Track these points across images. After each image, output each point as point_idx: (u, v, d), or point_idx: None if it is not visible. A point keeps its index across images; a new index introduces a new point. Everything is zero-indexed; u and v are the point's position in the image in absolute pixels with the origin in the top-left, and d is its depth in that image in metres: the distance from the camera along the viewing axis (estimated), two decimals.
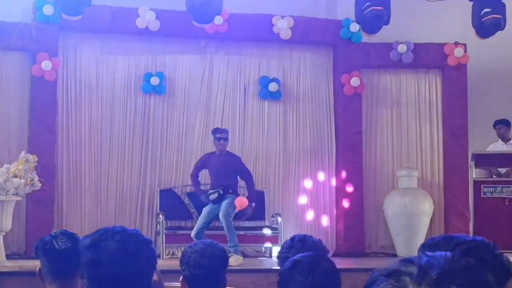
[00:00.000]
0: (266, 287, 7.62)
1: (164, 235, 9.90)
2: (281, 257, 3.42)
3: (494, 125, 10.65)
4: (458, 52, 11.17)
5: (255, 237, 10.30)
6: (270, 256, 10.33)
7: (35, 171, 8.82)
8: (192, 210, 10.42)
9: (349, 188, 10.96)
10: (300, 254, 2.91)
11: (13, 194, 8.62)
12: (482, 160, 9.98)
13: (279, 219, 10.34)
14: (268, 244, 10.37)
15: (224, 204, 8.88)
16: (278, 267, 3.19)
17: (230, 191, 9.02)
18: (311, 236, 3.56)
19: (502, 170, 10.32)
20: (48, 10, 10.00)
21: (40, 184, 8.83)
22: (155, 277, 2.66)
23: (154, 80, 10.63)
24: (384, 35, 10.17)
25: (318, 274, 2.78)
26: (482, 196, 9.73)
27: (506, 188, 9.74)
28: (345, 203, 10.96)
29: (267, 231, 10.25)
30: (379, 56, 11.23)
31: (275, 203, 10.90)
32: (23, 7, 10.26)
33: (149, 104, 10.73)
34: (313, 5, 11.31)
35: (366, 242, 11.09)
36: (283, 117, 11.13)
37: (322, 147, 11.15)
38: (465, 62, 11.22)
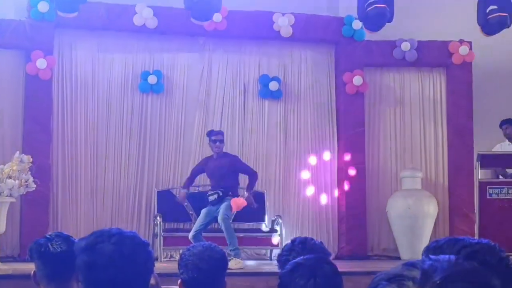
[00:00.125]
0: None
1: (161, 237, 9.90)
2: (282, 260, 3.42)
3: (501, 125, 10.64)
4: (463, 50, 11.17)
5: (255, 239, 10.30)
6: (271, 259, 10.33)
7: (29, 172, 8.81)
8: (190, 212, 10.42)
9: (351, 189, 10.95)
10: (301, 257, 2.90)
11: (7, 196, 8.61)
12: (488, 160, 9.98)
13: (280, 221, 10.34)
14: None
15: (222, 206, 8.87)
16: (279, 270, 3.19)
17: (230, 193, 9.02)
18: (312, 239, 3.56)
19: (509, 171, 10.32)
20: (43, 7, 10.00)
21: (35, 185, 8.82)
22: (152, 281, 2.65)
23: (152, 79, 10.63)
24: (387, 32, 10.17)
25: (319, 277, 2.77)
26: (488, 197, 9.73)
27: None
28: (347, 205, 10.95)
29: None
30: (382, 54, 11.23)
31: (275, 205, 10.89)
32: (18, 4, 10.27)
33: (147, 103, 10.73)
34: (315, 2, 11.31)
35: (369, 244, 11.09)
36: (283, 117, 11.13)
37: (324, 148, 11.15)
38: (470, 60, 11.22)
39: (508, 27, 9.29)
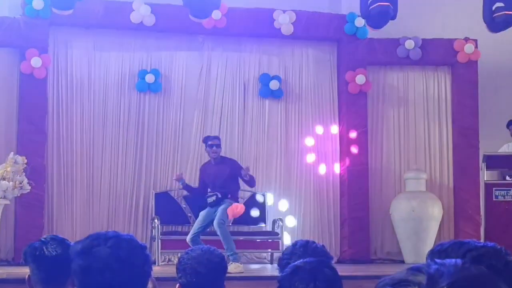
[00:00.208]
0: None
1: (159, 240, 9.89)
2: (283, 264, 3.42)
3: (508, 125, 10.64)
4: (469, 48, 11.17)
5: (255, 242, 10.30)
6: (271, 262, 10.33)
7: (24, 173, 8.83)
8: (189, 214, 10.42)
9: (354, 191, 10.95)
10: (301, 260, 2.90)
11: (1, 198, 8.63)
12: (494, 161, 9.97)
13: (281, 223, 10.33)
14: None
15: (219, 210, 8.88)
16: (280, 274, 3.19)
17: (229, 196, 9.02)
18: (313, 242, 3.56)
19: None
20: (38, 4, 10.00)
21: (30, 187, 8.84)
22: (150, 285, 2.65)
23: (149, 78, 10.63)
24: (390, 30, 10.18)
25: (319, 281, 2.77)
26: (494, 199, 9.72)
27: None
28: (350, 207, 10.95)
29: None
30: (386, 52, 11.23)
31: (276, 207, 10.89)
32: (12, 1, 10.28)
33: (144, 102, 10.73)
34: None
35: (372, 248, 11.09)
36: (284, 117, 11.13)
37: (326, 148, 11.15)
38: (476, 59, 11.22)
39: None
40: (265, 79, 11.03)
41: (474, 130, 11.19)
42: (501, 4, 9.12)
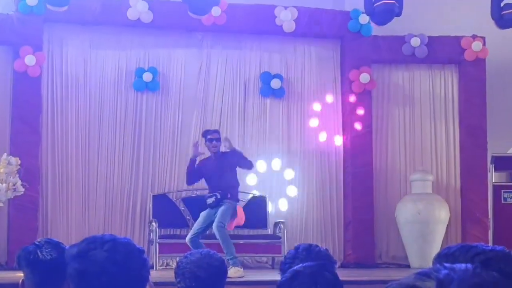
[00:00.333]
0: None
1: (157, 244, 9.90)
2: (285, 268, 3.41)
3: None
4: (476, 45, 11.17)
5: (256, 246, 10.29)
6: (273, 267, 10.33)
7: (17, 175, 8.83)
8: (187, 217, 10.42)
9: (358, 193, 10.95)
10: (301, 264, 2.90)
11: None
12: (503, 162, 9.98)
13: (282, 227, 10.33)
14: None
15: (218, 212, 8.88)
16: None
17: (229, 195, 9.02)
18: (317, 245, 3.55)
19: None
20: (32, 0, 10.00)
21: (23, 189, 8.83)
22: None
23: (147, 76, 10.63)
24: (396, 27, 10.18)
25: (319, 285, 2.77)
26: (503, 202, 9.73)
27: None
28: (354, 209, 10.95)
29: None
30: (391, 50, 11.23)
31: (278, 210, 10.89)
32: None
33: (141, 102, 10.73)
34: None
35: (377, 252, 11.09)
36: (286, 117, 11.13)
37: (329, 149, 11.15)
38: (484, 57, 11.22)
39: None
40: (266, 77, 11.03)
41: (482, 130, 11.18)
42: (509, 1, 9.14)
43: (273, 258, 10.48)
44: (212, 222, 8.96)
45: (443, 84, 11.49)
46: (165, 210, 10.39)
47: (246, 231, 10.48)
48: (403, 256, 10.97)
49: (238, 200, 9.28)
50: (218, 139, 9.22)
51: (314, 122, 11.13)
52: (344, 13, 11.15)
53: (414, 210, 10.72)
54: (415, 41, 11.17)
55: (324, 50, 11.34)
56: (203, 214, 9.08)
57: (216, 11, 10.24)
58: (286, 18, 10.92)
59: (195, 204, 9.93)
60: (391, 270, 10.67)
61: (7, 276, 8.04)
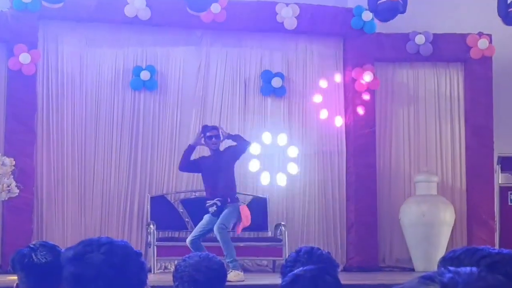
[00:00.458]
0: None
1: (155, 247, 9.89)
2: (286, 272, 3.41)
3: None
4: (483, 43, 11.17)
5: (257, 249, 10.29)
6: (273, 270, 10.33)
7: (12, 176, 8.82)
8: (186, 219, 10.42)
9: (361, 195, 10.95)
10: (301, 268, 2.90)
11: None
12: (509, 163, 9.99)
13: (283, 229, 10.33)
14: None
15: (222, 214, 8.86)
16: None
17: (229, 200, 9.00)
18: (318, 248, 3.55)
19: None
20: None
21: (18, 190, 8.83)
22: None
23: (144, 75, 10.63)
24: (400, 24, 10.18)
25: None
26: (509, 203, 9.75)
27: None
28: (357, 211, 10.95)
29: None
30: (395, 48, 11.23)
31: (278, 212, 10.89)
32: None
33: (139, 101, 10.73)
34: None
35: (380, 255, 11.09)
36: (287, 116, 11.13)
37: (331, 149, 11.15)
38: (490, 55, 11.22)
39: None
40: (267, 76, 11.03)
41: (488, 129, 11.18)
42: None
43: (274, 261, 10.48)
44: (213, 227, 8.95)
45: (449, 83, 11.49)
46: (163, 212, 10.39)
47: (246, 234, 10.47)
48: (407, 259, 10.97)
49: (238, 201, 9.28)
50: (218, 136, 9.20)
51: (315, 123, 11.14)
52: (346, 10, 11.15)
53: (419, 212, 10.72)
54: (419, 39, 11.17)
55: (326, 48, 11.34)
56: (206, 218, 9.05)
57: (215, 8, 10.24)
58: (287, 15, 10.92)
59: (194, 206, 9.92)
60: (395, 273, 10.68)
61: (1, 280, 8.03)
